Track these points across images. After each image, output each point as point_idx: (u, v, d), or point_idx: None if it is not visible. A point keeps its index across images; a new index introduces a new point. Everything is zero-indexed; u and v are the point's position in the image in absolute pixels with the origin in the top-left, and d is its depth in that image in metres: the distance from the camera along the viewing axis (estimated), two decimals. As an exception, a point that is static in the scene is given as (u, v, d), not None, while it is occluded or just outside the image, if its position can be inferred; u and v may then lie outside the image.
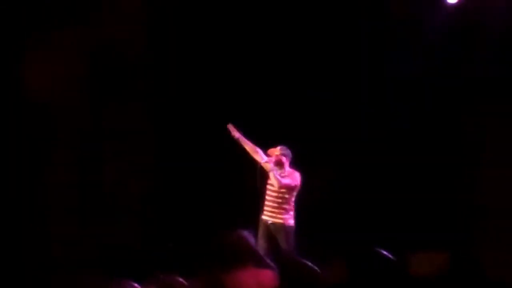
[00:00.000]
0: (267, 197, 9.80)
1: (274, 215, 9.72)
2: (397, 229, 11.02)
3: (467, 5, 11.09)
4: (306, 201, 10.96)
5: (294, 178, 9.71)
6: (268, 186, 9.78)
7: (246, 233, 5.68)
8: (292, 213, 9.77)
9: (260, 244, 9.01)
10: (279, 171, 9.71)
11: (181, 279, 6.01)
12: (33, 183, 11.05)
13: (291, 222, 9.76)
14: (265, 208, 9.77)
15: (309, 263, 6.70)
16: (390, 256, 8.33)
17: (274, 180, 9.58)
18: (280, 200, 9.72)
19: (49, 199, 11.17)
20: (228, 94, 11.41)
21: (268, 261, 5.82)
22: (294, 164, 9.88)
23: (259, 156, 9.81)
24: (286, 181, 9.67)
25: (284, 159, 9.81)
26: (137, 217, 11.30)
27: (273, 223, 9.70)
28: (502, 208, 11.11)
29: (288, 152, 9.71)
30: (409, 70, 11.37)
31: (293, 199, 9.77)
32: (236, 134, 9.82)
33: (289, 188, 9.67)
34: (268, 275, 5.74)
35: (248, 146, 9.82)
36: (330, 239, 11.02)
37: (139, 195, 11.31)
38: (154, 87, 11.45)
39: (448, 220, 11.38)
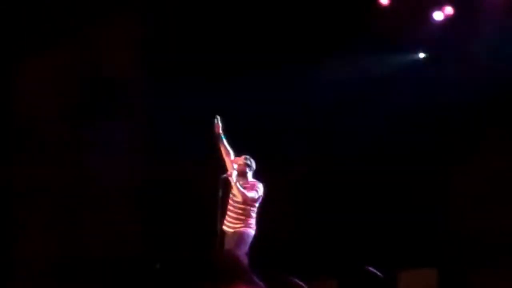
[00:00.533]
0: (229, 207, 9.78)
1: (234, 225, 9.70)
2: (386, 247, 11.05)
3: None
4: (295, 218, 10.96)
5: (256, 189, 9.67)
6: (231, 196, 9.78)
7: (238, 252, 5.71)
8: (251, 223, 9.73)
9: None
10: (242, 181, 9.71)
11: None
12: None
13: (250, 231, 9.73)
14: (227, 218, 9.75)
15: (299, 281, 6.72)
16: (379, 273, 8.40)
17: (238, 193, 9.58)
18: (241, 212, 9.68)
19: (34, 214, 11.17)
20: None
21: (258, 280, 5.84)
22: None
23: (228, 161, 9.84)
24: (250, 194, 9.65)
25: (247, 169, 9.81)
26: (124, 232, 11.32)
27: (233, 233, 9.68)
28: (486, 225, 11.21)
29: (252, 162, 9.71)
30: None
31: (254, 209, 9.75)
32: (219, 130, 9.87)
33: (253, 201, 9.67)
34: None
35: (223, 147, 9.88)
36: (320, 256, 11.06)
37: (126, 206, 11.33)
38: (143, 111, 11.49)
39: (435, 237, 11.43)
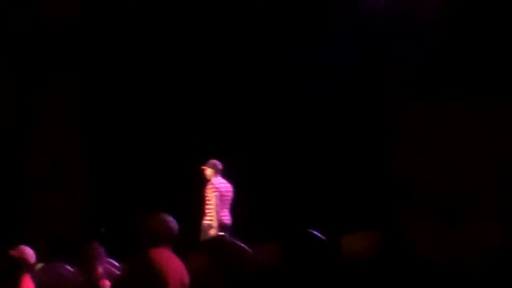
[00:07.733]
0: None
1: None
2: (328, 210, 11.15)
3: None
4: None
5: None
6: None
7: (166, 216, 5.77)
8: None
9: None
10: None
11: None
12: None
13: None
14: None
15: (242, 244, 6.78)
16: (322, 237, 8.48)
17: None
18: None
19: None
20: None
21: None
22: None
23: None
24: None
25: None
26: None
27: None
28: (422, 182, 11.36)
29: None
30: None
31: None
32: None
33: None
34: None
35: None
36: (264, 220, 11.16)
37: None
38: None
39: (373, 199, 11.51)
